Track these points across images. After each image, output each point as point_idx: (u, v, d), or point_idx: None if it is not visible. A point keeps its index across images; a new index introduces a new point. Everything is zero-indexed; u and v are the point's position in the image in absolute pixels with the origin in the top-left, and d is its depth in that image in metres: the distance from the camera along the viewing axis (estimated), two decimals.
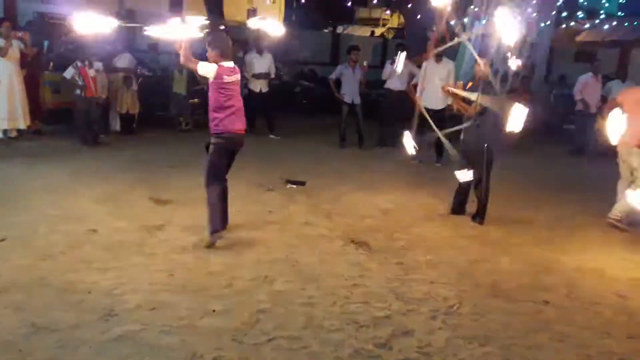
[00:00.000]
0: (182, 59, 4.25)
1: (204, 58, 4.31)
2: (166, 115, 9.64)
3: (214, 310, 3.30)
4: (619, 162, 5.57)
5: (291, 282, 3.81)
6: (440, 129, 5.25)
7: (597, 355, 3.14)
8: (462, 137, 5.37)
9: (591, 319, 3.57)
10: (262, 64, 9.21)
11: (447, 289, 3.85)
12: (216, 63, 4.24)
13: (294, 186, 6.32)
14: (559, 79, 13.32)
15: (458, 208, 5.55)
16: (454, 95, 5.37)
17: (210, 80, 4.25)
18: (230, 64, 4.32)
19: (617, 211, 5.43)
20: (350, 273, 4.02)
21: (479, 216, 5.32)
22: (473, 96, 5.02)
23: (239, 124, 4.39)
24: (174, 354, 2.85)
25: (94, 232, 4.48)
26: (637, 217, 5.16)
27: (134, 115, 8.92)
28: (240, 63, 8.90)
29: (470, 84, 5.37)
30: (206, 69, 4.23)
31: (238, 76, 4.38)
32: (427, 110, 5.92)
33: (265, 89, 9.32)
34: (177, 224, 4.76)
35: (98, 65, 8.07)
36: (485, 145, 5.10)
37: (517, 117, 4.41)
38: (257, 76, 9.17)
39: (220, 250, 4.28)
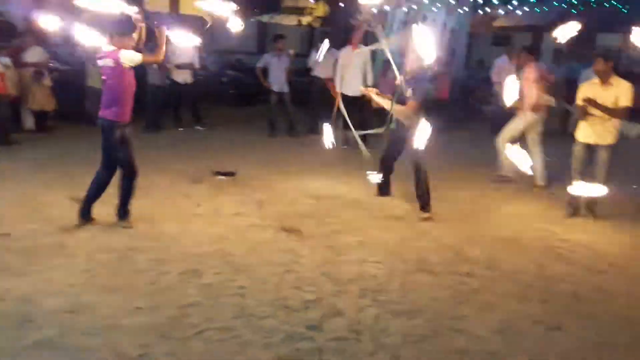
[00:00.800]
0: None
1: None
2: (82, 110, 9.13)
3: (138, 308, 3.19)
4: (516, 124, 6.24)
5: (221, 273, 3.75)
6: (360, 115, 5.26)
7: (516, 319, 3.33)
8: (391, 125, 5.38)
9: (511, 288, 3.77)
10: (184, 54, 8.92)
11: (376, 268, 3.94)
12: None
13: (224, 177, 6.21)
14: (478, 63, 13.90)
15: (384, 190, 5.65)
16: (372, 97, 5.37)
17: None
18: (106, 47, 4.38)
19: (506, 169, 6.19)
20: (282, 260, 4.02)
21: (426, 206, 5.16)
22: (387, 104, 5.06)
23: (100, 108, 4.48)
24: (98, 355, 2.74)
25: (7, 236, 4.20)
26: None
27: (48, 112, 8.40)
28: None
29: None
30: None
31: (106, 62, 4.34)
32: (346, 97, 5.95)
33: (189, 80, 9.06)
34: (98, 222, 4.55)
35: (5, 60, 7.52)
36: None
37: (422, 134, 4.55)
38: (180, 67, 8.88)
39: (146, 247, 4.14)
